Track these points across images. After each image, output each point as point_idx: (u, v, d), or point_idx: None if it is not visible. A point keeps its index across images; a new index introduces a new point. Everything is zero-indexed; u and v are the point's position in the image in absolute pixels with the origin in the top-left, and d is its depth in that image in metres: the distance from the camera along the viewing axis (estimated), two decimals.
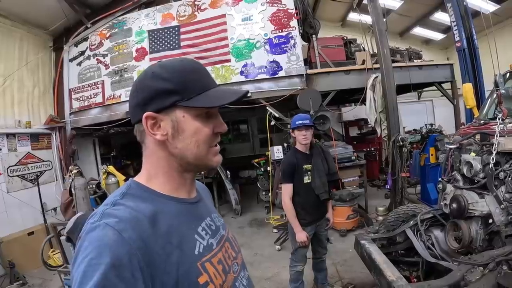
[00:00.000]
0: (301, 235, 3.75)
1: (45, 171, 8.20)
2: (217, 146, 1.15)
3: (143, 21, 8.19)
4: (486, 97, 5.45)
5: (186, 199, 1.13)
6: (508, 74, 4.69)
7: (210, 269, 1.03)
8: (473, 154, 3.23)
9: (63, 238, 4.31)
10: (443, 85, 8.82)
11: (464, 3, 6.32)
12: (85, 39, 8.64)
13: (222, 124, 1.14)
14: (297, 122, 3.81)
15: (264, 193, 8.84)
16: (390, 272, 2.71)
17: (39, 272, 6.30)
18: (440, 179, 3.63)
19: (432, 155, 7.46)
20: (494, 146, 2.99)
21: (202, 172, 1.18)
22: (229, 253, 1.19)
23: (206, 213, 1.20)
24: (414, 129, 10.56)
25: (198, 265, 1.00)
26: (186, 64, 1.10)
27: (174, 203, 1.07)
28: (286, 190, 3.84)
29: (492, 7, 7.43)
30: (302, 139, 3.84)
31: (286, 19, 7.64)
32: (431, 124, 10.04)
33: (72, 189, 6.74)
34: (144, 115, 1.03)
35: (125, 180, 7.92)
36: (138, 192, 1.03)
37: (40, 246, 5.29)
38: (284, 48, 7.62)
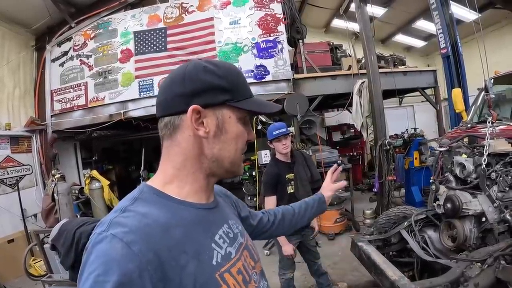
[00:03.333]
0: (288, 249, 3.64)
1: (25, 175, 7.94)
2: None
3: (129, 22, 8.10)
4: (470, 102, 5.59)
5: (203, 204, 1.06)
6: (492, 80, 4.83)
7: (229, 280, 0.97)
8: (464, 156, 3.31)
9: (46, 246, 4.18)
10: (426, 90, 9.01)
11: (450, 12, 6.47)
12: (69, 39, 8.48)
13: (253, 133, 1.13)
14: (274, 133, 3.71)
15: (249, 198, 8.79)
16: (392, 271, 2.73)
17: (20, 282, 6.05)
18: (432, 180, 3.68)
19: (416, 158, 7.58)
20: (485, 148, 3.07)
21: None
22: (247, 262, 1.12)
23: (223, 220, 1.13)
24: (395, 134, 10.70)
25: (217, 276, 0.94)
26: (235, 68, 1.10)
27: (189, 209, 1.00)
28: (270, 202, 3.71)
29: (473, 16, 7.60)
30: (282, 148, 3.75)
31: (273, 24, 7.68)
32: (415, 129, 10.20)
33: (55, 195, 6.57)
34: (192, 107, 0.97)
35: (109, 185, 7.80)
36: (150, 197, 0.97)
37: (20, 254, 5.11)
38: (272, 53, 7.64)
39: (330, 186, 1.87)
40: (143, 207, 0.91)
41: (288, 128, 3.88)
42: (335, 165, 1.99)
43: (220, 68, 1.02)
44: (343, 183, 1.94)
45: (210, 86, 0.99)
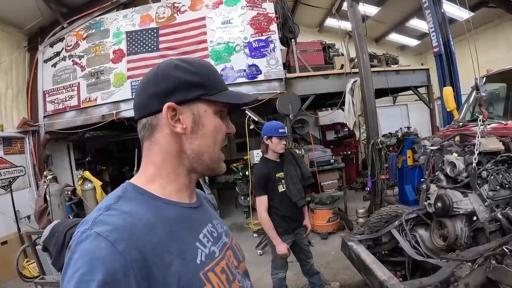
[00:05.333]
0: (282, 248, 3.63)
1: (18, 177, 7.87)
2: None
3: (121, 22, 8.06)
4: (462, 100, 5.60)
5: (187, 203, 1.06)
6: (484, 79, 4.84)
7: (213, 279, 0.96)
8: (455, 154, 3.30)
9: (39, 247, 4.16)
10: (419, 89, 9.03)
11: (442, 10, 6.48)
12: (61, 39, 8.43)
13: (232, 126, 1.13)
14: (280, 130, 3.70)
15: (243, 197, 8.79)
16: (381, 272, 2.72)
17: (13, 283, 6.03)
18: (423, 179, 3.68)
19: (409, 157, 7.59)
20: (476, 147, 3.07)
21: None
22: (231, 261, 1.12)
23: (207, 219, 1.13)
24: (389, 133, 10.74)
25: (201, 275, 0.93)
26: (207, 63, 1.11)
27: (174, 207, 1.00)
28: (261, 202, 3.71)
29: (466, 15, 7.62)
30: (280, 148, 3.75)
31: (266, 23, 7.67)
32: (408, 127, 10.23)
33: (47, 196, 6.54)
34: (166, 105, 0.98)
35: (102, 186, 7.76)
36: (134, 195, 0.96)
37: (14, 256, 5.08)
38: (264, 52, 7.63)
39: None
40: (127, 205, 0.91)
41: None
42: None
43: (192, 65, 1.03)
44: None
45: (183, 83, 1.00)
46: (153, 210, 0.93)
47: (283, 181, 3.81)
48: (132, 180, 1.03)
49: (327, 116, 12.17)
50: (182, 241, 0.95)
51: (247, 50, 7.63)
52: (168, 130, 1.01)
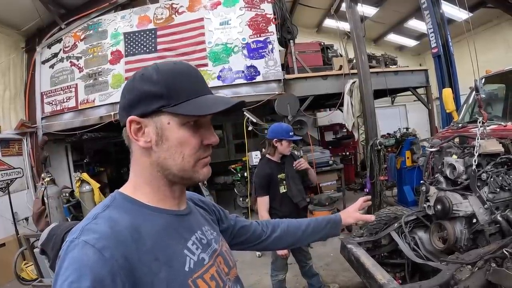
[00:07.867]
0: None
1: (15, 178, 7.83)
2: (207, 158, 1.06)
3: (119, 23, 8.03)
4: (461, 101, 5.58)
5: (175, 210, 1.06)
6: (483, 80, 4.83)
7: (202, 286, 0.97)
8: (455, 156, 3.29)
9: (36, 250, 4.15)
10: (418, 90, 9.02)
11: (441, 11, 6.46)
12: (59, 40, 8.40)
13: (212, 136, 1.05)
14: (290, 133, 3.71)
15: (241, 199, 8.77)
16: (381, 275, 2.71)
17: (11, 286, 6.01)
18: (422, 181, 3.66)
19: (408, 158, 7.59)
20: (476, 149, 3.05)
21: None
22: (221, 268, 1.12)
23: (196, 226, 1.12)
24: (388, 133, 10.73)
25: (189, 282, 0.94)
26: (179, 68, 1.02)
27: (161, 215, 1.00)
28: (262, 203, 3.71)
29: (465, 15, 7.62)
30: (288, 150, 3.80)
31: (264, 24, 7.66)
32: (407, 128, 10.22)
33: (45, 198, 6.53)
34: (128, 119, 0.97)
35: (100, 187, 7.74)
36: (122, 204, 0.97)
37: (12, 258, 5.06)
38: (262, 53, 7.62)
39: (355, 214, 1.72)
40: (115, 213, 0.92)
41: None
42: (367, 197, 1.85)
43: (157, 72, 0.97)
44: (371, 217, 1.76)
45: (143, 94, 0.96)
46: (141, 218, 0.94)
47: (284, 182, 3.82)
48: (121, 189, 1.04)
49: (325, 117, 12.17)
50: (170, 248, 0.95)
51: (245, 51, 7.62)
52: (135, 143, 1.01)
